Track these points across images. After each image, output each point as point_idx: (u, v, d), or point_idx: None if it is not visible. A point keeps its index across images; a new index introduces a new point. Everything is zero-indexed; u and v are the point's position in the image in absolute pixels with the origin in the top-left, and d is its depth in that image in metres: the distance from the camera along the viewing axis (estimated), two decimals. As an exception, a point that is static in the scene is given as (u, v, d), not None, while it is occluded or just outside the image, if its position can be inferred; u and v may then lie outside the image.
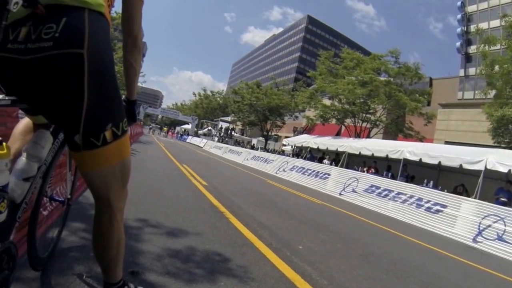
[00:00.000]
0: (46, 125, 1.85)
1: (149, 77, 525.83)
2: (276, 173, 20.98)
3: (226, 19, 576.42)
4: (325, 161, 22.63)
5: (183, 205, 6.00)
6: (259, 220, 6.03)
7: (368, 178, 15.17)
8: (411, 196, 12.68)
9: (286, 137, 41.79)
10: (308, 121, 33.79)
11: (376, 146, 19.15)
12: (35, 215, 1.92)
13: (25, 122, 1.93)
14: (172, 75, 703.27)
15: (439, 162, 14.90)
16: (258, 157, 25.90)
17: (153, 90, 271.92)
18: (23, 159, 1.65)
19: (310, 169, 18.75)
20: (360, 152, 19.38)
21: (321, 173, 17.88)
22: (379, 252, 5.86)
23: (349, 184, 15.55)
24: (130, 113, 1.95)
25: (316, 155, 25.96)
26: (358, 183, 15.14)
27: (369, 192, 14.41)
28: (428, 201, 12.04)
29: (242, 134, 68.86)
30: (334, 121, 31.49)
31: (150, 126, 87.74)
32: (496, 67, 18.75)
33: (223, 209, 6.27)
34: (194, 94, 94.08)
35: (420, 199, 12.32)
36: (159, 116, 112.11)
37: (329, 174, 17.24)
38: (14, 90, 1.47)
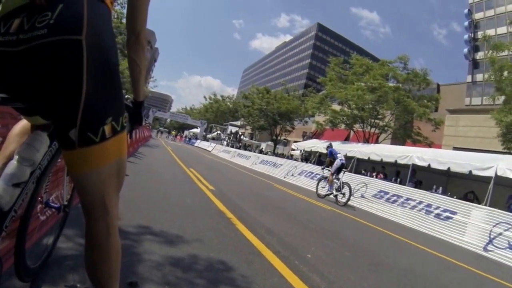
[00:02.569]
0: (44, 127, 1.71)
1: (159, 82, 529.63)
2: (285, 177, 20.84)
3: (235, 26, 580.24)
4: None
5: (189, 210, 5.90)
6: (267, 226, 5.91)
7: (377, 184, 15.02)
8: (420, 202, 12.52)
9: (296, 141, 41.64)
10: (317, 126, 33.64)
11: (385, 151, 18.94)
12: (24, 224, 1.77)
13: (23, 123, 1.80)
14: (182, 79, 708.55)
15: (448, 168, 14.62)
16: (267, 161, 25.77)
17: (162, 94, 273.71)
18: (14, 162, 1.52)
19: (320, 174, 18.60)
20: (369, 157, 19.17)
21: (329, 179, 17.74)
22: (389, 261, 5.72)
23: (357, 190, 15.38)
24: (137, 116, 1.84)
25: (325, 160, 25.81)
26: (367, 188, 14.98)
27: (377, 198, 14.25)
28: (437, 207, 11.88)
29: (252, 139, 68.81)
30: (343, 126, 31.44)
31: (158, 129, 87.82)
32: (505, 73, 18.57)
33: (230, 214, 6.16)
34: (204, 97, 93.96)
35: (429, 205, 12.17)
36: (168, 120, 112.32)
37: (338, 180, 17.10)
38: (6, 86, 1.35)
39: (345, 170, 14.72)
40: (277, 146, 49.82)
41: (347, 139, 38.23)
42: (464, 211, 11.08)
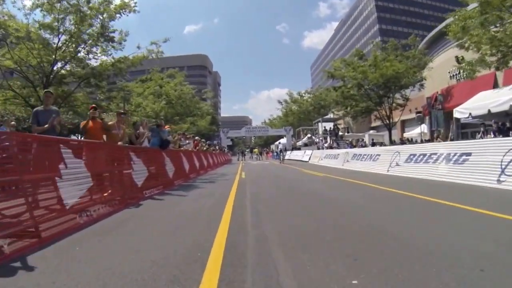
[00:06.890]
0: None
1: (231, 107, 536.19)
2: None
3: (280, 32, 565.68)
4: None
5: None
6: None
7: None
8: None
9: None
10: (465, 69, 20.30)
11: None
12: None
13: None
14: (252, 99, 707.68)
15: None
16: (413, 155, 13.40)
17: (238, 116, 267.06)
18: None
19: None
20: None
21: None
22: None
23: None
24: None
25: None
26: None
27: None
28: None
29: (347, 132, 55.38)
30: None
31: (241, 151, 78.58)
32: None
33: None
34: (279, 101, 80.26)
35: None
36: (253, 139, 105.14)
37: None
38: None
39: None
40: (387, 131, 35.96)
41: (495, 86, 24.35)
42: None
